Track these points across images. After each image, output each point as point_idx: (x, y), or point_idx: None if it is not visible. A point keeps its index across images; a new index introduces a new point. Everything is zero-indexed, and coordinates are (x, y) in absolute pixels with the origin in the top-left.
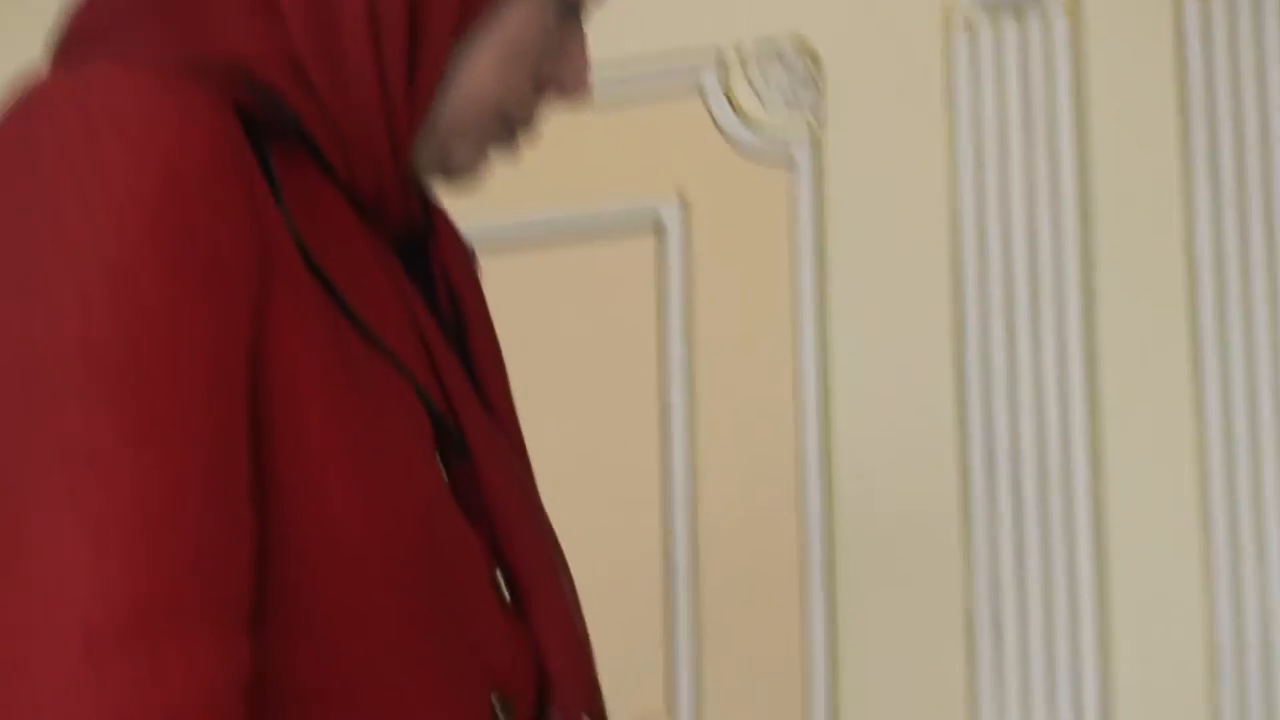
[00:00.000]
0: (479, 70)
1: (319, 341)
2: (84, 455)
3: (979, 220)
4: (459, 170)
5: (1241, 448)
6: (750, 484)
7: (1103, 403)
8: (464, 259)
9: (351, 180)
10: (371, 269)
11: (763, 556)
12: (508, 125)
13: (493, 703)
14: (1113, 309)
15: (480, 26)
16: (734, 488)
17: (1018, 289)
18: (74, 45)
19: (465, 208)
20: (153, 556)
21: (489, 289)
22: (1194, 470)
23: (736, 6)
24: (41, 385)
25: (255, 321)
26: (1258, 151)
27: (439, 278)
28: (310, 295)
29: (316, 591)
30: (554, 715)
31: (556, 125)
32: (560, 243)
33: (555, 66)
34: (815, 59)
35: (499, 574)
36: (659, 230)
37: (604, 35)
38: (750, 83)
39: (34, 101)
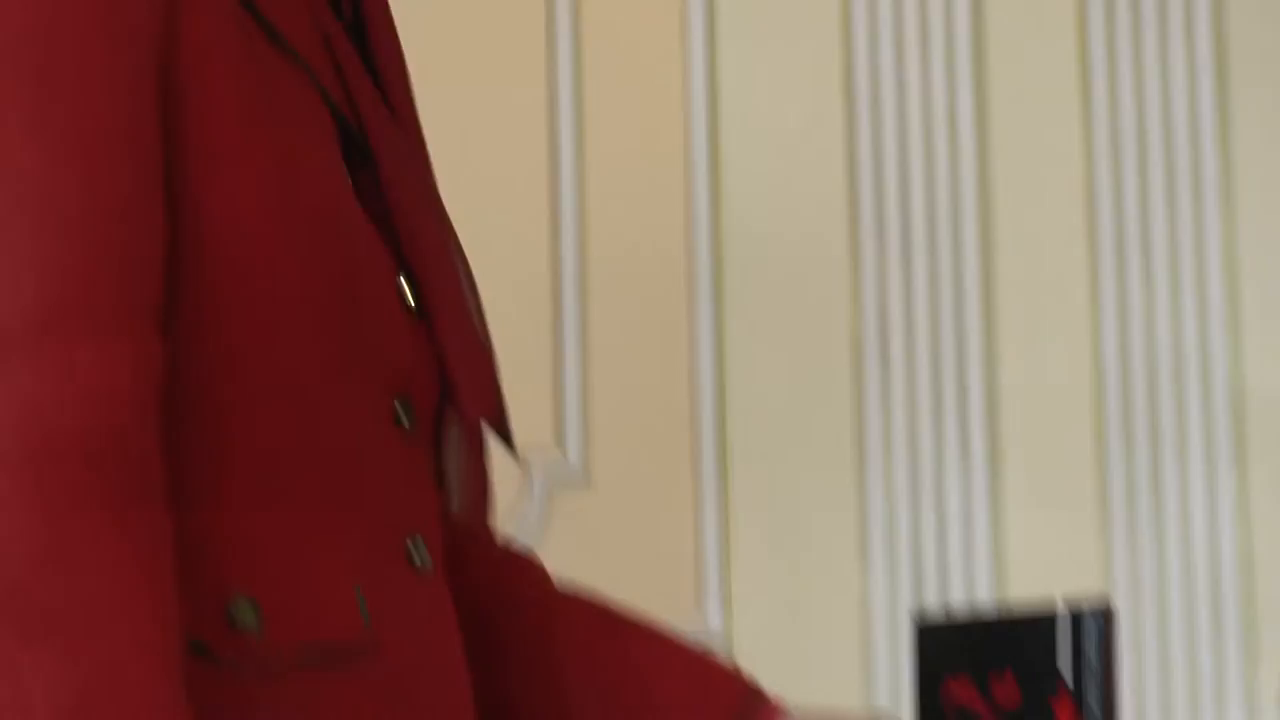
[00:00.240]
0: None
1: (228, 42)
2: None
3: None
4: None
5: (1129, 169)
6: (638, 212)
7: (990, 129)
8: None
9: None
10: None
11: (650, 285)
12: None
13: (394, 405)
14: (1001, 30)
15: None
16: (622, 217)
17: (906, 11)
18: None
19: None
20: (64, 259)
21: None
22: (1081, 195)
23: None
24: None
25: (164, 21)
26: None
27: None
28: None
29: (225, 293)
30: (453, 419)
31: None
32: None
33: None
34: None
35: (402, 278)
36: None
37: None
38: None
39: None
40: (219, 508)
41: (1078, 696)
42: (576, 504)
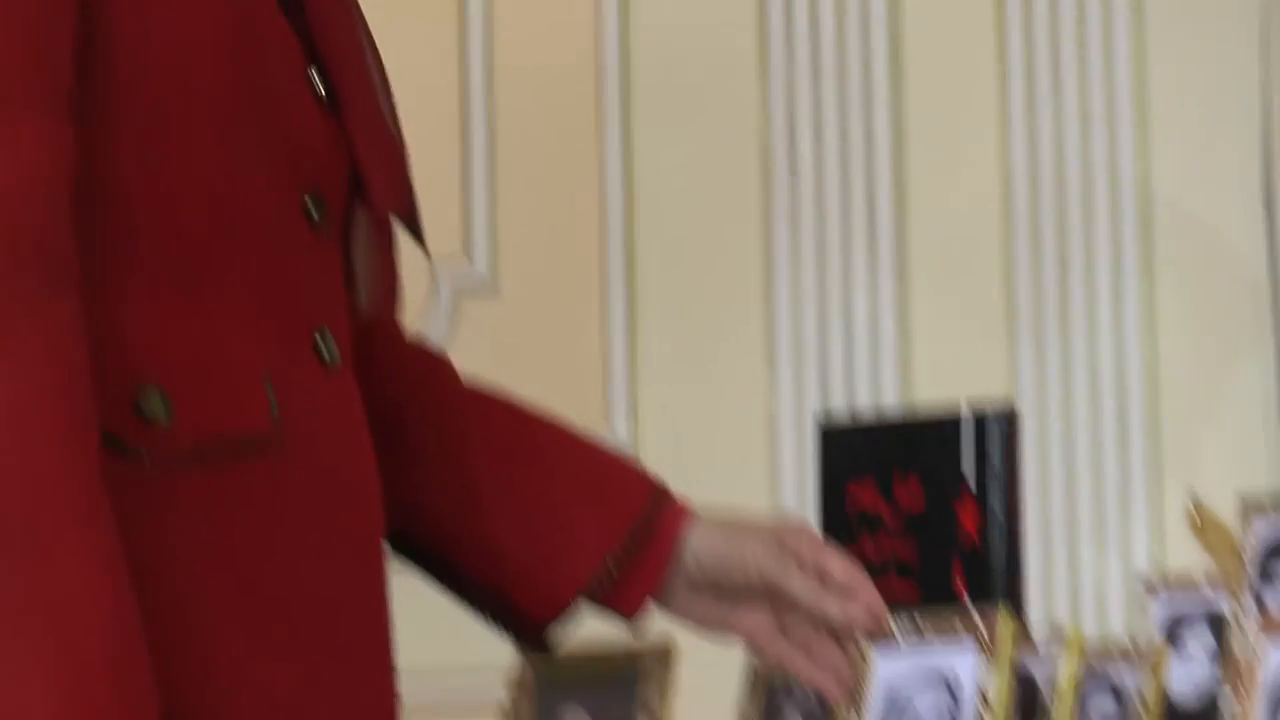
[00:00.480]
0: None
1: None
2: None
3: None
4: None
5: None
6: (547, 18)
7: None
8: None
9: None
10: None
11: (558, 93)
12: None
13: (304, 199)
14: None
15: None
16: (530, 22)
17: None
18: None
19: None
20: None
21: None
22: (990, 9)
23: None
24: None
25: None
26: None
27: None
28: None
29: (135, 82)
30: (363, 213)
31: None
32: None
33: None
34: None
35: (313, 71)
36: None
37: None
38: None
39: None
40: (128, 300)
41: (980, 499)
42: (484, 312)
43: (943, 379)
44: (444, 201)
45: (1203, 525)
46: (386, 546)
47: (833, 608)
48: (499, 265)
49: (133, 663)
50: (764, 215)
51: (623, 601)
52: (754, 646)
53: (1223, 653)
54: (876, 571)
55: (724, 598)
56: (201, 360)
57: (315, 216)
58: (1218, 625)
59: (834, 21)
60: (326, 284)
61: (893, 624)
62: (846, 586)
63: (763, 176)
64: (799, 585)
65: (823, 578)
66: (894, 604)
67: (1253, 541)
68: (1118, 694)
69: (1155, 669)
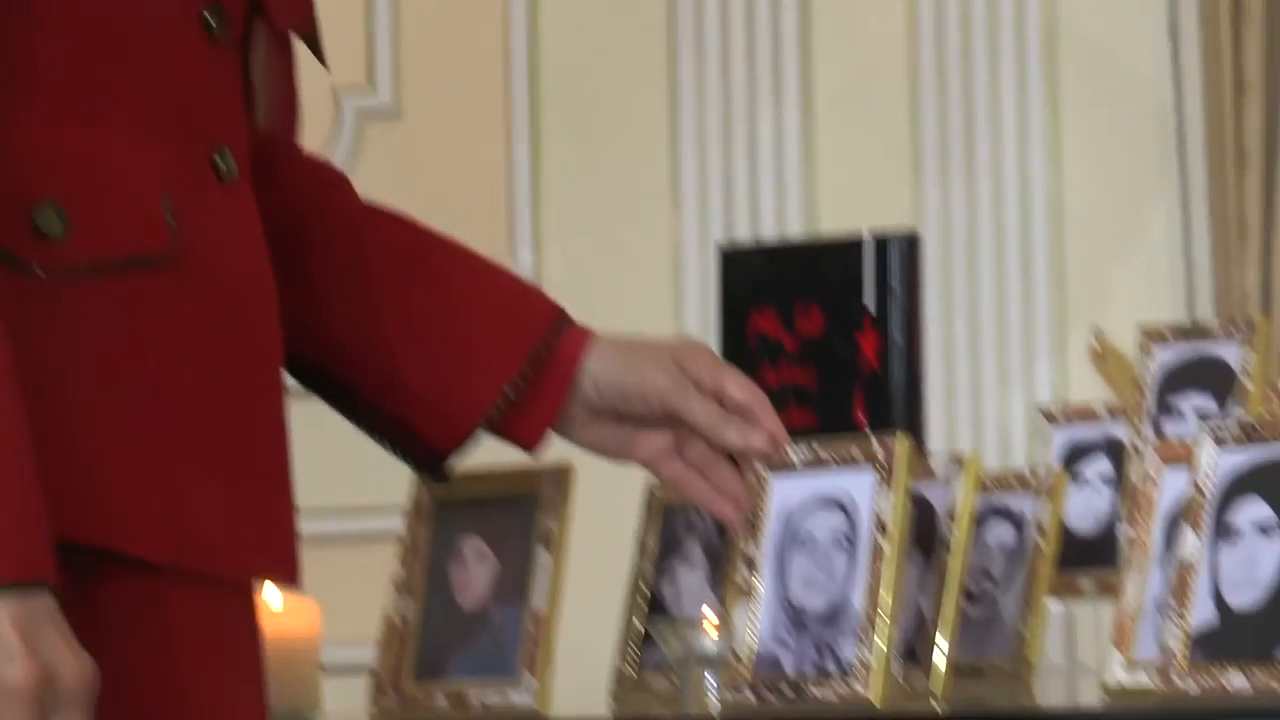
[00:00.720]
0: None
1: None
2: None
3: None
4: None
5: None
6: None
7: None
8: None
9: None
10: None
11: None
12: None
13: (203, 13)
14: None
15: None
16: None
17: None
18: None
19: None
20: None
21: None
22: None
23: None
24: None
25: None
26: None
27: None
28: None
29: None
30: (262, 29)
31: None
32: None
33: None
34: None
35: None
36: None
37: None
38: None
39: None
40: (23, 116)
41: (881, 325)
42: (387, 136)
43: (847, 210)
44: (347, 30)
45: (1104, 355)
46: (286, 371)
47: (732, 435)
48: (401, 89)
49: (20, 473)
50: (669, 45)
51: (523, 431)
52: (653, 471)
53: (1121, 481)
54: (776, 398)
55: (624, 422)
56: (99, 177)
57: (214, 26)
58: (1117, 454)
59: None
60: (225, 98)
61: (791, 451)
62: (747, 410)
63: (669, 6)
64: (699, 411)
65: (722, 400)
66: (792, 431)
67: (1152, 370)
68: (1016, 522)
69: (1053, 497)
